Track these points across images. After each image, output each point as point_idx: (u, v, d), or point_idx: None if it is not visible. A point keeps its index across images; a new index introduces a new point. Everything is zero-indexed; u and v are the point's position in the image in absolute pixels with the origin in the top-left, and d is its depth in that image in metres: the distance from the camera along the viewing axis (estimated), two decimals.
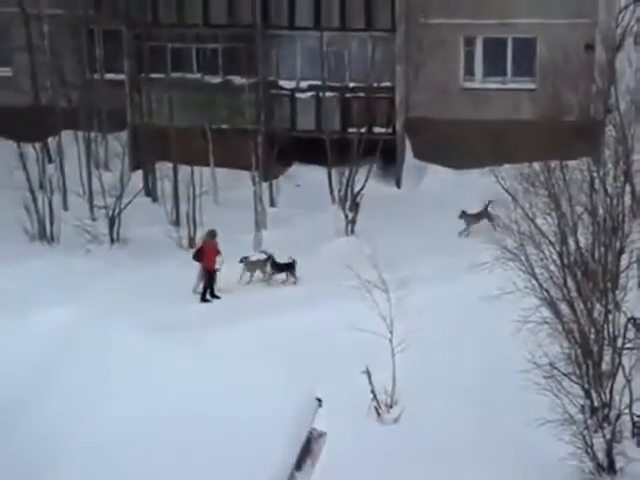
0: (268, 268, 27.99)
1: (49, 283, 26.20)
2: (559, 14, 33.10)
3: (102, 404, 13.13)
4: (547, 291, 18.52)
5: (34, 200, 30.46)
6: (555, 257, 18.53)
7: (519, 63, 34.23)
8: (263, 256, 28.15)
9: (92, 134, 33.35)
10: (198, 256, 27.46)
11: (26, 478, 12.10)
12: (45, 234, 30.66)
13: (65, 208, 32.18)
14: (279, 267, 28.01)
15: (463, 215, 29.59)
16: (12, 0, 33.23)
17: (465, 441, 19.57)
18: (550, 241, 18.62)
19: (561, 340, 18.57)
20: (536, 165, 19.55)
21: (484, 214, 29.13)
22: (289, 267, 27.90)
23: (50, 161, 33.01)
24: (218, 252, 27.41)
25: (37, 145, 31.60)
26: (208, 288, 27.24)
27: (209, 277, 27.29)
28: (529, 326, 18.83)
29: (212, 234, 27.81)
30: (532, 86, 33.60)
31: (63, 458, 12.34)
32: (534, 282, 18.63)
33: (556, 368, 18.33)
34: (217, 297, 27.33)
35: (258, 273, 28.03)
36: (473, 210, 29.66)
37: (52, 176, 31.70)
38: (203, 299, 27.21)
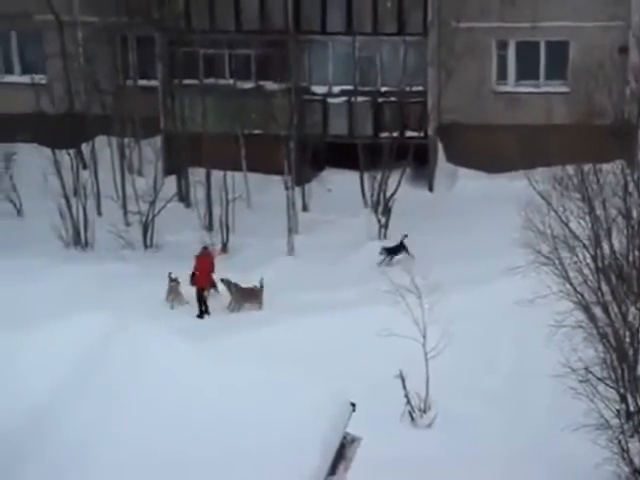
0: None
1: (83, 288, 26.33)
2: (592, 17, 32.95)
3: (135, 409, 13.17)
4: (581, 295, 18.43)
5: (68, 206, 30.60)
6: (589, 261, 18.44)
7: (552, 66, 34.07)
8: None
9: (126, 140, 33.49)
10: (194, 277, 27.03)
11: None
12: (79, 240, 30.80)
13: (99, 214, 32.32)
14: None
15: (383, 251, 28.58)
16: (46, 7, 33.44)
17: (499, 446, 19.50)
18: (584, 245, 18.53)
19: (596, 344, 18.47)
20: (569, 168, 19.47)
21: (401, 247, 28.54)
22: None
23: (84, 167, 33.17)
24: (212, 268, 27.09)
25: (71, 151, 31.79)
26: (202, 304, 26.79)
27: (199, 294, 26.79)
28: (563, 330, 18.76)
29: (204, 249, 27.66)
30: (565, 89, 33.42)
31: (96, 464, 12.38)
32: (568, 286, 18.54)
33: (591, 372, 18.23)
34: (206, 314, 26.73)
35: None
36: (390, 244, 28.88)
37: (86, 182, 31.85)
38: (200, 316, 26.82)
